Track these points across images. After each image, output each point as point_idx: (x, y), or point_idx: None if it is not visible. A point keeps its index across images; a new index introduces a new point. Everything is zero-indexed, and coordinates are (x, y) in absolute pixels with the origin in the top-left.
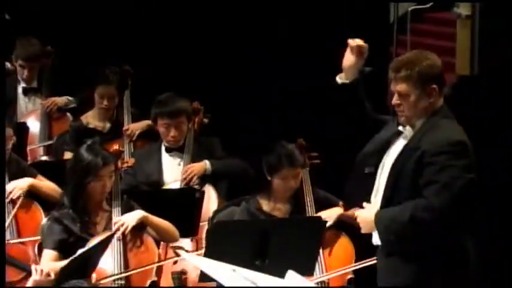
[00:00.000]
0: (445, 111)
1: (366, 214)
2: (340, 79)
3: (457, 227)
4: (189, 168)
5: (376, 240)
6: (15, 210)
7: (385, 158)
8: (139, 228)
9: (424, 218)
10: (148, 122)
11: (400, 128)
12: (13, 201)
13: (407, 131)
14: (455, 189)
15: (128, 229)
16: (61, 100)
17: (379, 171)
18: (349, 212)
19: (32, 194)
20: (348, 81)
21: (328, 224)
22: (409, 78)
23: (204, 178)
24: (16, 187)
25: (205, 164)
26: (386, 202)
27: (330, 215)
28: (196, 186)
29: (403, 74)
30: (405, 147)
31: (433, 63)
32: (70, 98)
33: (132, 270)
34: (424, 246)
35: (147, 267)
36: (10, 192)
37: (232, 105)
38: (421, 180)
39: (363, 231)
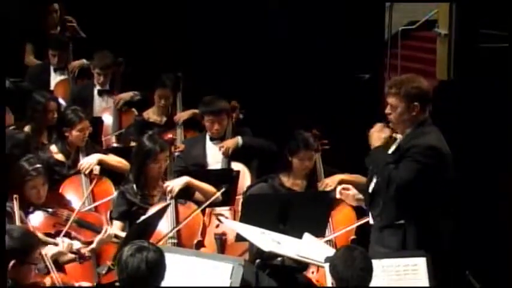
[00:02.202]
0: (429, 122)
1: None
2: None
3: (430, 209)
4: (225, 143)
5: (370, 220)
6: (89, 180)
7: None
8: (187, 195)
9: (387, 180)
10: (193, 110)
11: (394, 134)
12: (90, 175)
13: (399, 138)
14: (411, 177)
15: (175, 191)
16: (126, 95)
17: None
18: (348, 177)
19: (105, 170)
20: None
21: (332, 187)
22: (396, 95)
23: (239, 158)
24: (88, 161)
25: (238, 139)
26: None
27: (333, 179)
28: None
29: (393, 91)
30: (396, 148)
31: (417, 86)
32: (135, 92)
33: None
34: (406, 223)
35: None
36: (84, 166)
37: (262, 103)
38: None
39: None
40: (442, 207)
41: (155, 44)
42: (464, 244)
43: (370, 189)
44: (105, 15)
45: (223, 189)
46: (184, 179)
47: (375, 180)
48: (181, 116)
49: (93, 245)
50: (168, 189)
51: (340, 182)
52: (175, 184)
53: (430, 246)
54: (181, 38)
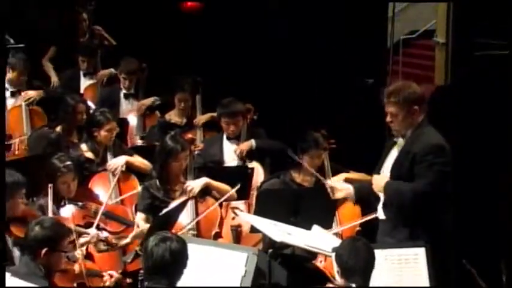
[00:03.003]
0: (426, 122)
1: (379, 179)
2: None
3: (439, 204)
4: (240, 146)
5: (380, 215)
6: (116, 178)
7: (384, 163)
8: (206, 193)
9: (419, 197)
10: (211, 114)
11: (395, 139)
12: (113, 173)
13: (400, 142)
14: (438, 180)
15: (195, 191)
16: (148, 101)
17: (383, 169)
18: (352, 175)
19: (130, 168)
20: None
21: None
22: (396, 103)
23: (253, 156)
24: (116, 162)
25: (252, 142)
26: None
27: (339, 178)
28: (247, 163)
29: (392, 99)
30: (400, 152)
31: (414, 91)
32: (156, 98)
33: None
34: (415, 217)
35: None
36: (111, 167)
37: (275, 105)
38: (416, 173)
39: (374, 189)
40: (446, 201)
41: (176, 51)
42: (464, 244)
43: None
44: (131, 25)
45: (237, 187)
46: (204, 181)
47: (387, 174)
48: (201, 119)
49: (128, 240)
50: (189, 189)
51: (346, 181)
52: (195, 185)
53: (436, 238)
54: (199, 46)
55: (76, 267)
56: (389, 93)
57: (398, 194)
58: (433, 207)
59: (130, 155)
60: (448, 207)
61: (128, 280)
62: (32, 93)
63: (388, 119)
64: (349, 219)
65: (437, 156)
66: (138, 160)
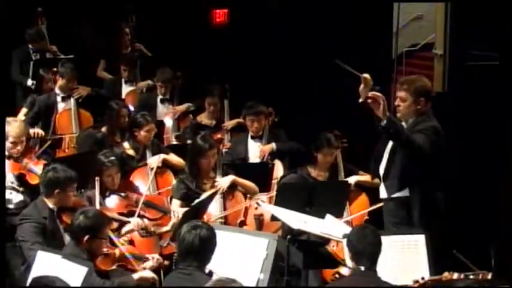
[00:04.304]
0: (430, 113)
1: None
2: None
3: (433, 184)
4: (262, 148)
5: (382, 194)
6: (153, 173)
7: (389, 144)
8: (233, 187)
9: (413, 142)
10: (238, 119)
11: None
12: (152, 169)
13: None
14: (426, 144)
15: (224, 187)
16: (182, 107)
17: (385, 153)
18: (363, 178)
19: (166, 165)
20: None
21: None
22: (407, 90)
23: (274, 155)
24: (154, 160)
25: (273, 145)
26: (387, 165)
27: (350, 180)
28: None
29: (405, 86)
30: None
31: (424, 85)
32: (189, 104)
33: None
34: (412, 198)
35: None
36: (150, 164)
37: (294, 108)
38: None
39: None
40: (437, 183)
41: (206, 62)
42: (464, 244)
43: (383, 167)
44: (167, 39)
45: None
46: (231, 178)
47: (386, 156)
48: (229, 124)
49: (168, 227)
50: (218, 186)
51: (356, 184)
52: (223, 182)
53: (431, 214)
54: (227, 57)
55: (117, 251)
56: (404, 81)
57: (398, 130)
58: (426, 182)
59: (166, 153)
60: (440, 189)
61: (165, 262)
62: (81, 89)
63: (397, 102)
64: (359, 209)
65: (429, 131)
66: (173, 158)
